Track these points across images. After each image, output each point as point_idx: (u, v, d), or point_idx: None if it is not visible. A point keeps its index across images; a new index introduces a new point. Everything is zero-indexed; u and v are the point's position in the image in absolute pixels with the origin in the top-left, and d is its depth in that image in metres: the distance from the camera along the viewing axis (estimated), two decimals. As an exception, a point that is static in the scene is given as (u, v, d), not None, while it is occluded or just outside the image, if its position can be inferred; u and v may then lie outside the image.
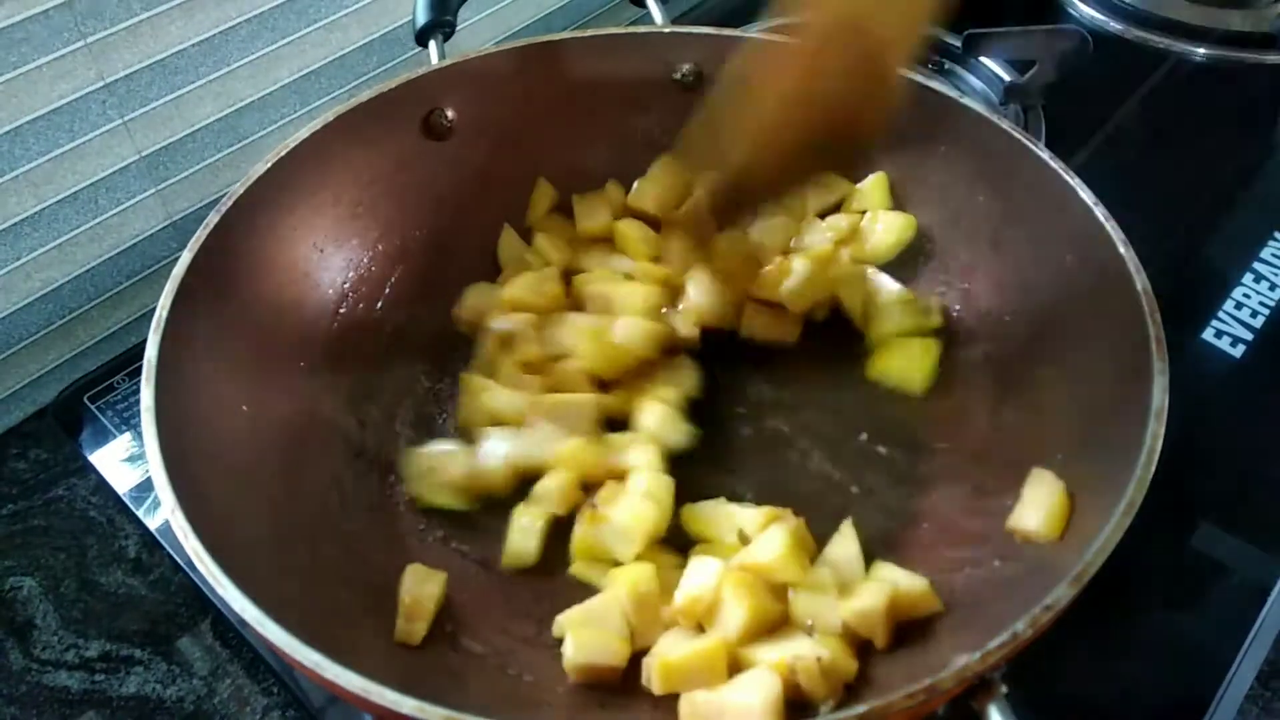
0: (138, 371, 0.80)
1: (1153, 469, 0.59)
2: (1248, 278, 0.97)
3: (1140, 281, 0.68)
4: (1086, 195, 0.73)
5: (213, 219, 0.73)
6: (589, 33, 0.89)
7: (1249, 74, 1.17)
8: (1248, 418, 0.87)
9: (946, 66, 1.16)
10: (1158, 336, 0.65)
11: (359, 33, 1.01)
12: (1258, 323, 0.93)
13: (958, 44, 1.11)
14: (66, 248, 0.88)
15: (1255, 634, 0.73)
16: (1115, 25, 1.23)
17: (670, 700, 0.62)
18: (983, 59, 1.11)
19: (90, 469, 0.84)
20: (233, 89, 0.93)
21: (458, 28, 0.93)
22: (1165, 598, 0.76)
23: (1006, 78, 1.09)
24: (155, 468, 0.61)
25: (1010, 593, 0.64)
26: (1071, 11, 1.27)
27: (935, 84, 0.84)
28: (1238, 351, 0.91)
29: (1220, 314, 0.94)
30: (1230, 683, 0.70)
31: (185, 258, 0.71)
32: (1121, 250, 0.70)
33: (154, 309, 0.68)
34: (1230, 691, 0.70)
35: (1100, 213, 0.72)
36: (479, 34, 1.14)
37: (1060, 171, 0.75)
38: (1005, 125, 0.80)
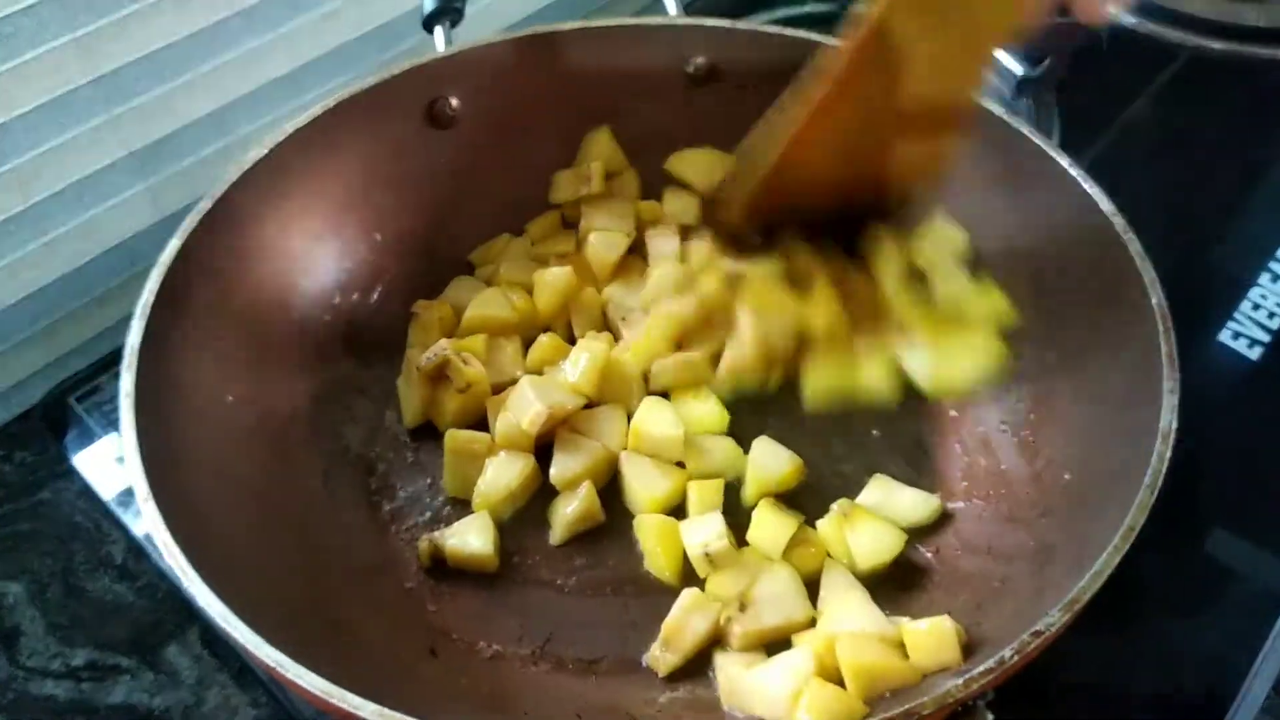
0: (125, 372, 0.78)
1: (1155, 493, 0.57)
2: (1264, 278, 0.95)
3: (1155, 296, 0.66)
4: (1105, 205, 0.71)
5: (205, 205, 0.72)
6: (599, 23, 0.88)
7: (1265, 69, 1.15)
8: (1264, 420, 0.86)
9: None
10: (1169, 354, 0.64)
11: (352, 25, 0.99)
12: (1275, 324, 0.92)
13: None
14: (54, 246, 0.86)
15: (1271, 642, 0.71)
16: (1129, 19, 1.21)
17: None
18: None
19: (76, 472, 0.83)
20: (223, 83, 0.91)
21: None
22: (1179, 605, 0.74)
23: (1019, 71, 1.07)
24: (131, 456, 0.59)
25: (1005, 611, 0.63)
26: (1083, 4, 1.25)
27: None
28: (1254, 354, 0.89)
29: (1236, 315, 0.92)
30: (1246, 692, 0.69)
31: (174, 244, 0.70)
32: (1139, 264, 0.68)
33: (143, 306, 0.67)
34: (1246, 701, 0.69)
35: (1119, 223, 0.70)
36: (481, 21, 1.12)
37: (1079, 179, 0.73)
38: (1025, 129, 0.77)
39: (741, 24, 0.87)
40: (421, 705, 0.51)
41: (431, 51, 0.85)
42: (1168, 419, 0.60)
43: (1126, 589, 0.56)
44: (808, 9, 1.20)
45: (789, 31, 0.85)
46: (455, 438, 0.75)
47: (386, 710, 0.50)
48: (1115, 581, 0.55)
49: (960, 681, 0.51)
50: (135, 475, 0.59)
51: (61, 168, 0.84)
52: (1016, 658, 0.52)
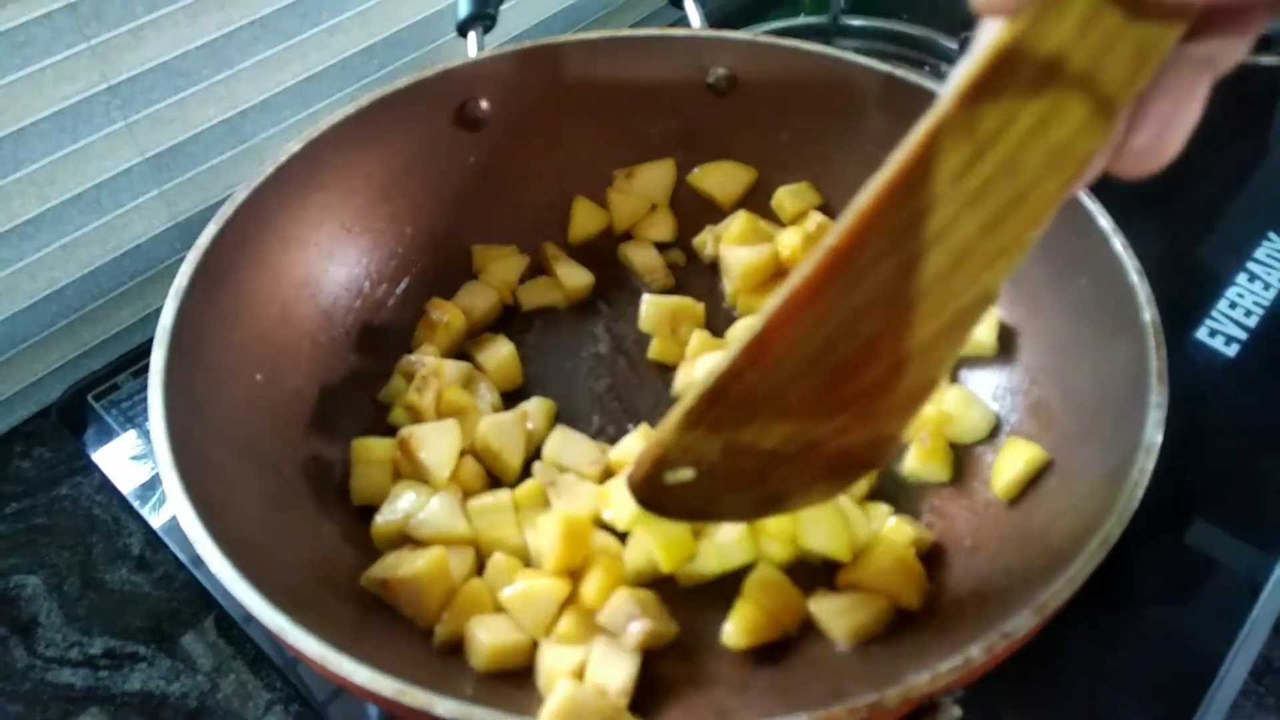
0: (142, 371, 0.80)
1: (1135, 505, 0.58)
2: (1241, 277, 0.98)
3: (1149, 313, 0.67)
4: (1105, 221, 0.72)
5: (241, 194, 0.75)
6: (625, 32, 0.91)
7: (1244, 75, 1.17)
8: (1241, 416, 0.88)
9: (944, 70, 1.16)
10: (1160, 371, 0.64)
11: (361, 36, 1.01)
12: (1251, 322, 0.94)
13: (955, 46, 1.11)
14: (70, 248, 0.88)
15: (1248, 629, 0.73)
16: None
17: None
18: (979, 61, 1.12)
19: (94, 468, 0.85)
20: (236, 92, 0.94)
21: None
22: (1159, 593, 0.76)
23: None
24: (156, 425, 0.61)
25: (982, 612, 0.63)
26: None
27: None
28: (1231, 350, 0.92)
29: (1214, 313, 0.95)
30: (1223, 678, 0.71)
31: (211, 229, 0.72)
32: (1135, 280, 0.69)
33: (158, 309, 0.68)
34: (1223, 687, 0.71)
35: (1119, 241, 0.71)
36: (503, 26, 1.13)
37: (1080, 194, 0.73)
38: None
39: (763, 37, 0.89)
40: (422, 677, 0.52)
41: (446, 60, 0.87)
42: (1152, 434, 0.60)
43: (1109, 577, 0.57)
44: (801, 20, 1.22)
45: (809, 46, 0.88)
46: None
47: (379, 676, 0.51)
48: (1099, 569, 0.56)
49: (927, 677, 0.51)
50: (159, 444, 0.61)
51: (77, 173, 0.86)
52: (985, 657, 0.52)
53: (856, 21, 1.22)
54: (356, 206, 0.85)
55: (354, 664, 0.52)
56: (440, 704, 0.50)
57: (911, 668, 0.53)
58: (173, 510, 0.59)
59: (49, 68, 0.80)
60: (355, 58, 1.02)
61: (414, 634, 0.67)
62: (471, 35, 0.91)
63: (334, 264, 0.83)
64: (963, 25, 1.10)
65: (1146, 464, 0.59)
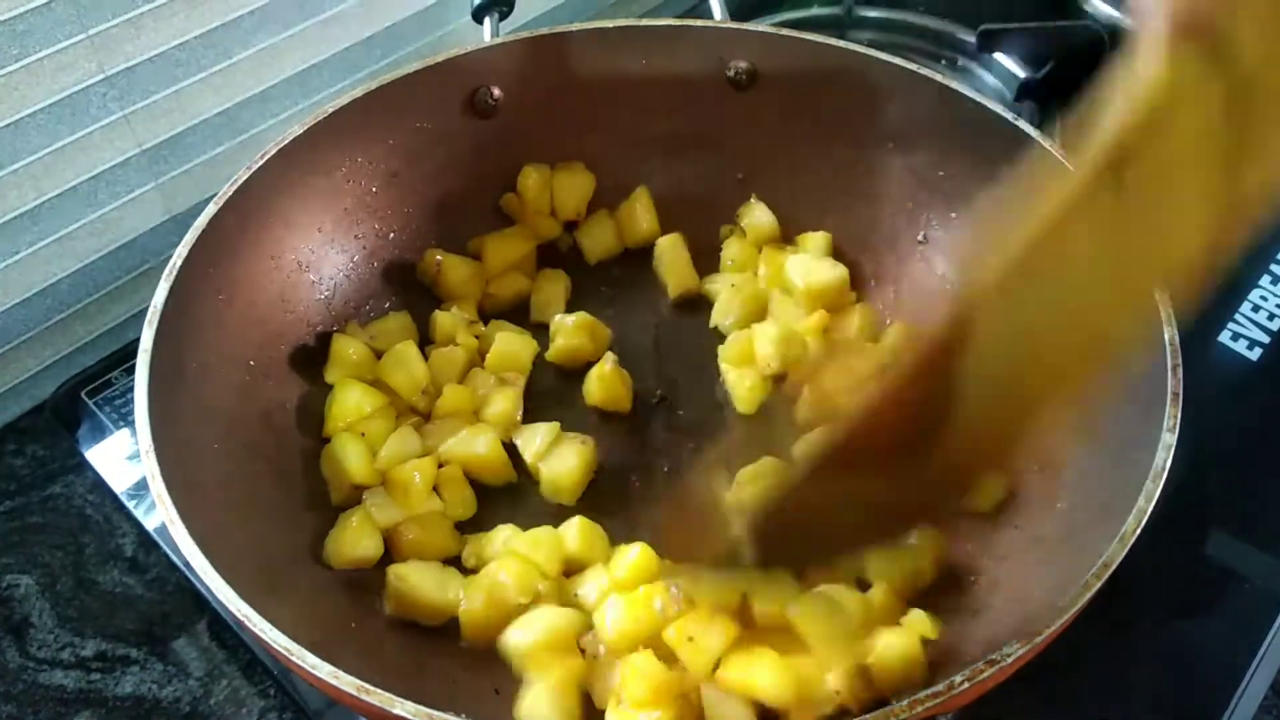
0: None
1: (1139, 529, 0.56)
2: (1265, 280, 0.96)
3: (1169, 332, 0.65)
4: None
5: (242, 175, 0.74)
6: (645, 22, 0.89)
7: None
8: (1264, 421, 0.86)
9: (960, 63, 1.14)
10: (1175, 391, 0.62)
11: (362, 26, 1.00)
12: (1275, 325, 0.92)
13: (971, 40, 1.10)
14: (66, 242, 0.87)
15: (1270, 642, 0.72)
16: (1131, 22, 1.22)
17: None
18: (996, 55, 1.10)
19: (87, 466, 0.84)
20: (234, 82, 0.92)
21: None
22: (1178, 605, 0.75)
23: (1021, 74, 1.07)
24: (140, 402, 0.61)
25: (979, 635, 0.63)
26: (1087, 8, 1.25)
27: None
28: (1254, 355, 0.90)
29: (1237, 316, 0.93)
30: (1244, 692, 0.70)
31: (211, 210, 0.71)
32: (1157, 299, 0.65)
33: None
34: (1244, 701, 0.69)
35: None
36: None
37: None
38: (1035, 134, 0.77)
39: (790, 31, 0.87)
40: (383, 672, 0.52)
41: (449, 50, 0.86)
42: (1163, 457, 0.59)
43: (1126, 589, 0.56)
44: (814, 12, 1.21)
45: (833, 41, 0.86)
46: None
47: (341, 673, 0.51)
48: (1115, 582, 0.55)
49: (905, 703, 0.50)
50: (142, 430, 0.60)
51: (73, 165, 0.85)
52: (967, 685, 0.50)
53: (871, 13, 1.20)
54: (361, 191, 0.84)
55: (316, 658, 0.51)
56: (400, 705, 0.49)
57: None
58: (153, 490, 0.58)
59: (46, 58, 0.79)
60: (356, 48, 1.00)
61: (402, 632, 0.67)
62: (487, 21, 0.90)
63: (335, 249, 0.83)
64: (977, 18, 1.09)
65: (1155, 489, 0.58)
